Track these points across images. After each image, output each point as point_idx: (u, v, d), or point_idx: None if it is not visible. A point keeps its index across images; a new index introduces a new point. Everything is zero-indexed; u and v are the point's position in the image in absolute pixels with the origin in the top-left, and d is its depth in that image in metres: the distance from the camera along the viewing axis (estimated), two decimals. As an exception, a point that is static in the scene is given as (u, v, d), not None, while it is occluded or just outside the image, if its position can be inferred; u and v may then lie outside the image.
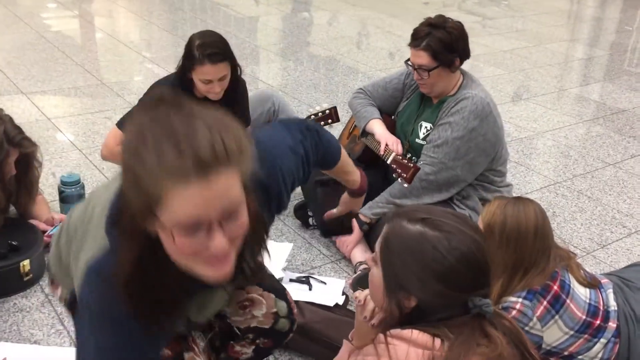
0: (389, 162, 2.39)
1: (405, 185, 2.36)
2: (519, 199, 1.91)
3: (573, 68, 5.73)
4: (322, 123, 2.81)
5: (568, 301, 1.83)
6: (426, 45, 2.32)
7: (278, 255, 2.36)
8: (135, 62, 4.92)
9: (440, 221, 1.28)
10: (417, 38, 2.36)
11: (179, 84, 2.58)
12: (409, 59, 2.44)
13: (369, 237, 2.53)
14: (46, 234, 2.42)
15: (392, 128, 2.63)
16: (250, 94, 2.94)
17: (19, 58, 4.71)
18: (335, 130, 3.51)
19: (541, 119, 4.26)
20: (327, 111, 2.81)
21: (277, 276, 2.24)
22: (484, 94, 2.42)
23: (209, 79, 2.48)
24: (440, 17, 2.40)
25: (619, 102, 4.69)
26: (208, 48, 2.45)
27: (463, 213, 2.42)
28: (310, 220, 2.78)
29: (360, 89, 2.77)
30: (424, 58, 2.34)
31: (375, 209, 2.46)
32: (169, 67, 4.73)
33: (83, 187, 2.60)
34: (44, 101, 3.94)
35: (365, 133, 2.65)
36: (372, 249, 2.53)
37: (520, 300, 1.79)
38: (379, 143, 2.49)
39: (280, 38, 5.97)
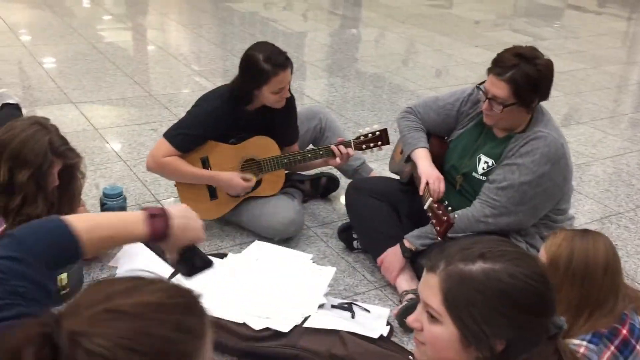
0: (425, 207, 2.21)
1: (456, 216, 2.21)
2: (587, 231, 1.75)
3: (632, 91, 5.48)
4: (372, 145, 2.69)
5: (639, 347, 1.66)
6: (510, 78, 2.08)
7: (320, 279, 2.26)
8: (184, 74, 4.92)
9: (499, 251, 1.14)
10: (502, 67, 2.11)
11: (233, 99, 2.52)
12: (482, 83, 2.23)
13: (415, 264, 2.40)
14: (86, 246, 2.37)
15: (443, 150, 2.49)
16: (297, 109, 2.86)
17: (70, 68, 4.77)
18: (387, 150, 3.40)
19: (600, 145, 4.05)
20: (378, 133, 2.69)
21: (318, 302, 2.14)
22: (557, 133, 2.19)
23: (284, 86, 2.48)
24: (532, 50, 2.16)
25: (684, 129, 4.43)
26: (275, 57, 2.45)
27: (520, 245, 2.27)
28: (355, 243, 2.66)
29: (410, 107, 2.59)
30: (503, 90, 2.11)
31: (425, 239, 2.32)
32: (216, 80, 4.72)
33: (125, 199, 2.56)
34: (92, 111, 3.96)
35: (410, 160, 2.51)
36: (418, 277, 2.40)
37: (584, 343, 1.64)
38: (419, 179, 2.32)
39: (327, 54, 5.92)
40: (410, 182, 2.56)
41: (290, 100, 2.66)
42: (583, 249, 1.67)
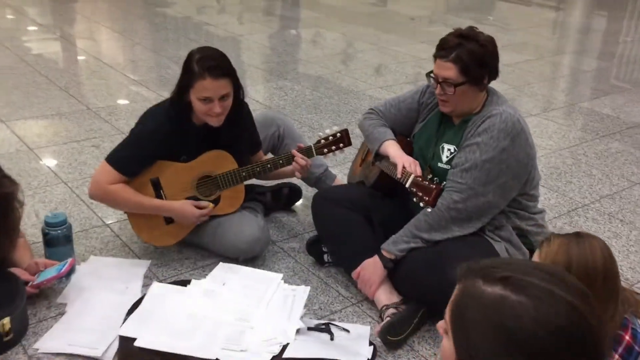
0: (407, 185, 2.14)
1: (429, 209, 2.11)
2: (579, 235, 1.65)
3: (579, 81, 5.55)
4: (334, 148, 2.54)
5: (644, 354, 1.57)
6: (455, 57, 2.08)
7: (295, 301, 2.08)
8: (122, 84, 4.64)
9: (525, 281, 0.99)
10: (445, 48, 2.10)
11: (175, 110, 2.31)
12: (430, 72, 2.18)
13: (393, 276, 2.26)
14: (29, 284, 2.12)
15: (408, 150, 2.37)
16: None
17: (-3, 83, 4.41)
18: (348, 154, 3.26)
19: (555, 136, 4.04)
20: (339, 134, 2.54)
21: (295, 327, 1.96)
22: (512, 110, 2.17)
23: (209, 95, 2.23)
24: (472, 29, 2.16)
25: (633, 116, 4.49)
26: (209, 61, 2.22)
27: (498, 245, 2.17)
28: (325, 257, 2.50)
29: (371, 109, 2.51)
30: (451, 71, 2.09)
31: (400, 244, 2.19)
32: (157, 88, 4.47)
33: (70, 227, 2.31)
34: (25, 129, 3.64)
35: (380, 156, 2.39)
36: (397, 289, 2.26)
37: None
38: (395, 166, 2.23)
39: (271, 56, 5.73)
40: (378, 184, 2.44)
41: (241, 109, 2.45)
42: (581, 256, 1.57)
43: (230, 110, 2.33)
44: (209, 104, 2.25)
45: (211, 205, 2.42)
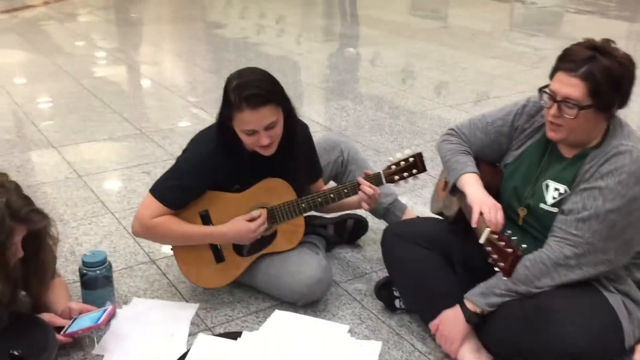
0: (481, 242, 1.74)
1: (504, 278, 1.72)
2: None
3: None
4: (406, 174, 2.20)
5: None
6: (586, 73, 1.67)
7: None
8: (179, 107, 4.46)
9: None
10: (573, 60, 1.71)
11: (224, 137, 2.04)
12: (546, 87, 1.78)
13: (481, 331, 1.89)
14: (62, 333, 1.87)
15: (497, 182, 2.00)
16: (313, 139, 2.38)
17: (53, 108, 4.32)
18: (420, 180, 2.92)
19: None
20: (411, 159, 2.20)
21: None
22: None
23: (251, 128, 1.94)
24: (608, 42, 1.74)
25: None
26: (246, 88, 1.91)
27: (614, 298, 1.77)
28: (397, 303, 2.16)
29: (452, 129, 2.13)
30: (577, 89, 1.68)
31: (490, 297, 1.81)
32: (214, 110, 4.23)
33: (110, 268, 2.06)
34: (76, 155, 3.48)
35: (456, 190, 2.03)
36: (486, 347, 1.89)
37: None
38: (471, 210, 1.86)
39: (331, 75, 5.46)
40: (460, 219, 2.06)
41: (294, 132, 2.13)
42: None
43: (283, 136, 2.04)
44: (254, 136, 1.96)
45: (263, 210, 2.11)
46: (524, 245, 1.70)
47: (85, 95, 4.60)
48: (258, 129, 1.94)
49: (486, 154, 2.06)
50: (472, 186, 1.91)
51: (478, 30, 7.57)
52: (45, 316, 1.90)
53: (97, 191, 3.04)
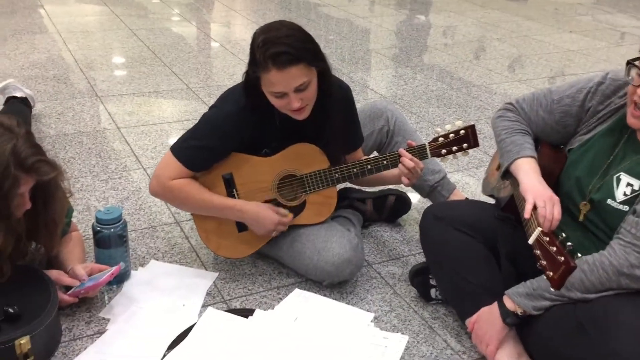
0: (530, 242, 1.47)
1: (552, 289, 1.44)
2: None
3: None
4: (455, 149, 1.96)
5: None
6: None
7: (386, 355, 1.55)
8: (230, 65, 4.29)
9: None
10: None
11: (249, 100, 1.84)
12: (636, 59, 1.48)
13: (525, 334, 1.65)
14: (70, 291, 1.76)
15: (559, 168, 1.71)
16: (357, 106, 2.15)
17: (104, 57, 4.23)
18: (474, 157, 2.68)
19: None
20: (462, 131, 1.96)
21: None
22: None
23: (279, 90, 1.72)
24: None
25: None
26: (272, 46, 1.68)
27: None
28: (434, 292, 1.94)
29: (511, 104, 1.83)
30: None
31: (538, 300, 1.56)
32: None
33: (125, 226, 1.92)
34: (118, 106, 3.38)
35: (509, 175, 1.75)
36: (529, 352, 1.65)
37: None
38: (524, 200, 1.58)
39: (395, 42, 5.16)
40: (511, 207, 1.80)
41: (329, 93, 1.87)
42: None
43: (318, 98, 1.82)
44: (284, 99, 1.75)
45: (290, 215, 1.94)
46: (580, 255, 1.42)
47: (138, 47, 4.50)
48: (287, 91, 1.72)
49: (548, 136, 1.77)
50: (527, 174, 1.63)
51: (562, 2, 7.03)
52: (54, 273, 1.79)
53: (132, 145, 2.93)
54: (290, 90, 1.71)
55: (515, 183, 1.70)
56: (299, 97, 1.73)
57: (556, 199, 1.55)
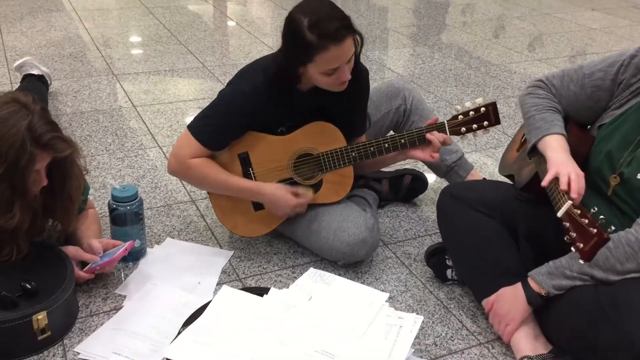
0: (559, 215, 1.42)
1: (581, 261, 1.41)
2: None
3: None
4: (475, 127, 1.93)
5: None
6: None
7: (401, 335, 1.54)
8: (247, 43, 4.27)
9: None
10: None
11: (276, 79, 1.82)
12: None
13: (541, 315, 1.64)
14: (86, 268, 1.77)
15: (586, 149, 1.67)
16: (374, 85, 2.13)
17: (121, 35, 4.23)
18: (493, 137, 2.65)
19: None
20: (483, 109, 1.92)
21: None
22: None
23: (338, 65, 1.72)
24: None
25: None
26: (325, 24, 1.67)
27: None
28: (449, 273, 1.92)
29: (541, 80, 1.78)
30: None
31: (559, 278, 1.54)
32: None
33: (141, 204, 1.92)
34: (134, 85, 3.38)
35: (536, 151, 1.72)
36: (546, 334, 1.64)
37: None
38: (555, 169, 1.51)
39: (413, 20, 5.09)
40: (534, 186, 1.77)
41: (359, 79, 1.90)
42: None
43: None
44: (335, 74, 1.75)
45: (311, 192, 1.93)
46: (613, 228, 1.39)
47: (155, 25, 4.49)
48: (342, 64, 1.74)
49: (579, 112, 1.72)
50: (555, 150, 1.59)
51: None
52: (71, 249, 1.80)
53: (148, 123, 2.93)
54: (344, 62, 1.73)
55: (540, 160, 1.66)
56: (349, 66, 1.76)
57: (581, 173, 1.51)
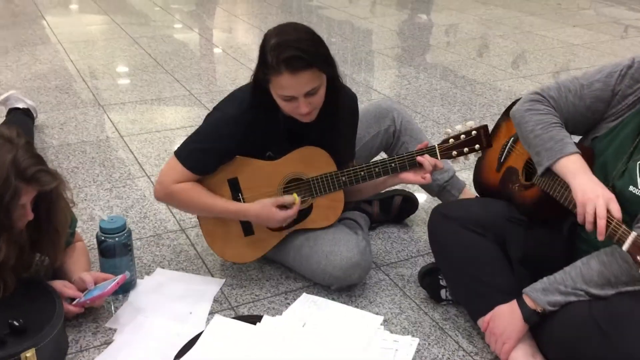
0: (624, 248, 1.37)
1: (605, 258, 1.40)
2: None
3: None
4: (466, 150, 1.91)
5: None
6: None
7: (397, 358, 1.52)
8: (233, 70, 4.28)
9: None
10: None
11: (256, 101, 1.82)
12: None
13: (537, 332, 1.62)
14: (74, 302, 1.73)
15: (590, 160, 1.62)
16: (362, 107, 2.13)
17: (106, 66, 4.23)
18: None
19: None
20: (474, 132, 1.90)
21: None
22: None
23: (290, 94, 1.70)
24: None
25: None
26: (285, 50, 1.64)
27: None
28: (444, 293, 1.91)
29: (538, 94, 1.71)
30: None
31: (554, 294, 1.53)
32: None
33: (129, 235, 1.90)
34: (121, 115, 3.37)
35: (550, 172, 1.64)
36: (543, 351, 1.62)
37: None
38: (581, 205, 1.46)
39: (397, 41, 5.13)
40: (537, 210, 1.73)
41: (338, 98, 1.84)
42: None
43: (326, 103, 1.79)
44: (292, 102, 1.72)
45: (297, 199, 1.89)
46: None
47: (140, 55, 4.50)
48: (297, 95, 1.70)
49: (575, 124, 1.68)
50: (577, 175, 1.51)
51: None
52: (58, 284, 1.77)
53: (136, 153, 2.91)
54: (300, 95, 1.69)
55: (555, 182, 1.61)
56: (307, 101, 1.71)
57: (612, 196, 1.46)
